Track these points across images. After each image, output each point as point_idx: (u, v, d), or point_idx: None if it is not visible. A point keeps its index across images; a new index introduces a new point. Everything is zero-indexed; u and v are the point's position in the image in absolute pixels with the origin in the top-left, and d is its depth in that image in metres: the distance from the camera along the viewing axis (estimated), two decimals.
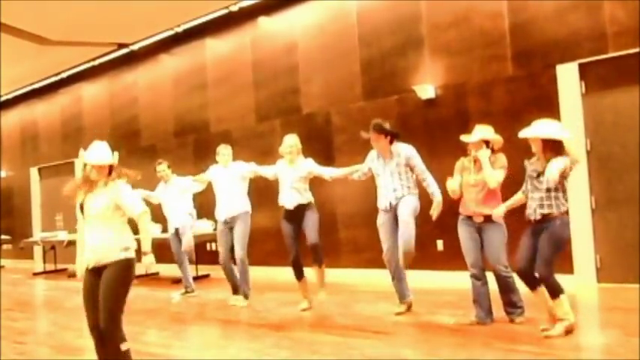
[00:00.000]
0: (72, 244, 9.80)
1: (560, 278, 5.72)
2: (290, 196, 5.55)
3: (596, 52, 5.79)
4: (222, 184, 6.23)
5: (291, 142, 5.72)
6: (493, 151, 4.64)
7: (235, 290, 6.19)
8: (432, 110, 6.78)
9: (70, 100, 12.01)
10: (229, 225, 6.12)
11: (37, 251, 12.42)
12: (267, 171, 5.96)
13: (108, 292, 3.29)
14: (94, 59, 10.74)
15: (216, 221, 6.53)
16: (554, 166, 3.94)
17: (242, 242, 6.03)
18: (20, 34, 8.85)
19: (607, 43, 5.73)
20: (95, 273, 3.37)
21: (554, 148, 4.05)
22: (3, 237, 13.25)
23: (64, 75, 11.68)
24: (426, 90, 6.72)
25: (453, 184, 4.59)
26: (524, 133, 4.24)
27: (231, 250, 6.11)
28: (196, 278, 8.35)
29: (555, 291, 4.07)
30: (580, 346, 4.06)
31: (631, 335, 3.93)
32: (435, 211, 4.90)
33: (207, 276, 8.49)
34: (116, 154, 3.51)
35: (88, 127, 11.51)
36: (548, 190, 4.06)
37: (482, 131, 4.62)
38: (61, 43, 9.45)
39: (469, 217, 4.63)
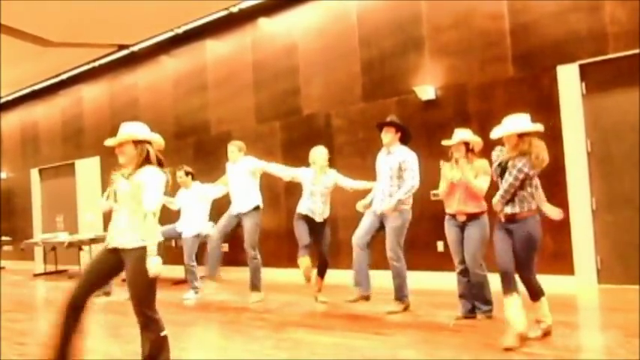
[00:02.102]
0: (72, 245, 9.80)
1: (561, 279, 5.78)
2: (319, 207, 5.81)
3: (596, 53, 5.79)
4: (232, 180, 6.38)
5: (324, 151, 5.90)
6: (473, 152, 4.72)
7: (210, 275, 6.32)
8: (432, 111, 6.78)
9: (70, 101, 12.02)
10: (238, 218, 6.22)
11: (38, 252, 12.41)
12: (284, 171, 6.03)
13: (134, 283, 3.17)
14: (94, 60, 10.75)
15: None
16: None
17: (251, 239, 6.13)
18: (21, 36, 8.86)
19: (607, 44, 5.73)
20: (114, 253, 3.24)
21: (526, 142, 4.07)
22: (3, 238, 13.26)
23: (64, 76, 11.69)
24: (426, 91, 6.72)
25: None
26: (496, 133, 4.20)
27: (225, 236, 6.31)
28: None
29: (537, 293, 4.08)
30: (580, 347, 4.07)
31: (631, 336, 3.92)
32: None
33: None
34: (141, 131, 3.26)
35: (88, 129, 11.52)
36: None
37: (462, 133, 4.72)
38: (62, 45, 9.46)
39: (453, 216, 4.77)
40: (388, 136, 5.23)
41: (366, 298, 5.24)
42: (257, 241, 6.19)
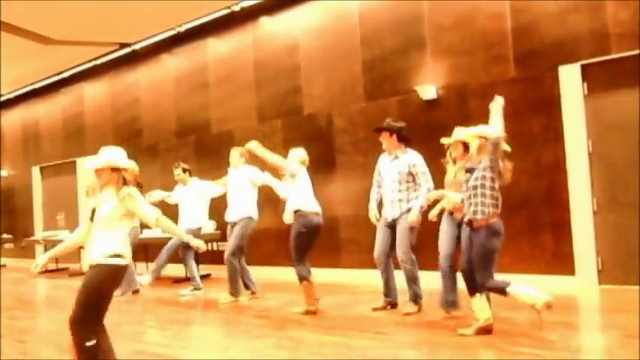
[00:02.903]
0: None
1: (562, 280, 5.78)
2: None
3: (598, 53, 5.78)
4: (231, 186, 6.41)
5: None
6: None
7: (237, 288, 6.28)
8: (433, 111, 6.78)
9: (71, 99, 12.03)
10: (230, 225, 6.27)
11: (39, 250, 12.41)
12: (281, 190, 5.97)
13: (84, 289, 3.29)
14: (95, 59, 10.75)
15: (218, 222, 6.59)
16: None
17: (231, 244, 6.14)
18: (23, 34, 8.86)
19: (609, 44, 5.72)
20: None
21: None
22: (4, 236, 13.28)
23: (65, 74, 11.69)
24: (427, 91, 6.71)
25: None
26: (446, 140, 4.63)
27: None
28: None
29: (501, 290, 4.11)
30: (581, 347, 4.08)
31: (632, 337, 3.92)
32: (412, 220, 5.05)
33: (208, 275, 8.48)
34: (118, 159, 3.42)
35: (89, 127, 11.52)
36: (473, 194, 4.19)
37: (461, 132, 4.73)
38: (63, 43, 9.46)
39: (451, 213, 4.80)
40: (385, 141, 5.24)
41: (394, 305, 5.28)
42: (241, 247, 6.19)
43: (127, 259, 3.37)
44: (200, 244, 3.64)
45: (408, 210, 5.09)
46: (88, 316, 3.28)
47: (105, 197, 3.40)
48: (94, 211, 3.39)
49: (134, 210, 3.36)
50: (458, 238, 4.73)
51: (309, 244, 5.30)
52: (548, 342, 3.97)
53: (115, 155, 3.43)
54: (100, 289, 3.31)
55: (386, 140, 5.23)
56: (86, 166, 3.51)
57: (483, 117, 6.34)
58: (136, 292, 7.04)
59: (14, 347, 4.85)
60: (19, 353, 4.63)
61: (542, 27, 6.09)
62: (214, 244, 8.87)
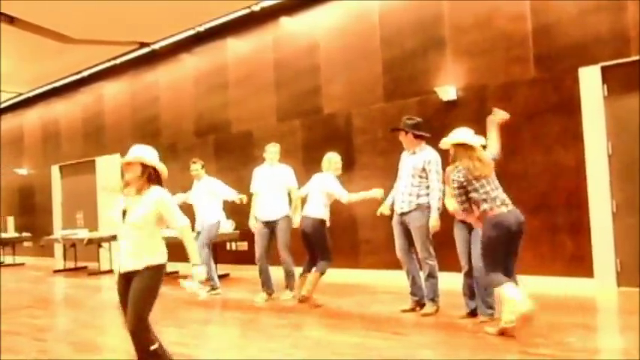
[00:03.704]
0: (92, 242, 9.94)
1: (580, 282, 5.75)
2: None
3: (618, 55, 5.74)
4: (266, 184, 6.32)
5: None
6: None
7: (263, 289, 6.33)
8: (453, 112, 6.76)
9: (91, 98, 12.16)
10: (269, 226, 6.23)
11: (58, 249, 12.59)
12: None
13: (136, 295, 3.31)
14: (115, 58, 10.85)
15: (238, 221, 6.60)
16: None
17: (284, 244, 6.19)
18: (43, 33, 8.97)
19: (630, 46, 5.68)
20: (127, 277, 3.40)
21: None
22: (24, 234, 13.46)
23: (85, 74, 11.81)
24: (447, 91, 6.70)
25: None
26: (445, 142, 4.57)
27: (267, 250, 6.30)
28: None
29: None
30: (599, 349, 4.05)
31: None
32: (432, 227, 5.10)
33: (226, 275, 8.54)
34: (150, 157, 3.43)
35: (109, 126, 11.64)
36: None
37: (460, 134, 4.56)
38: (83, 42, 9.56)
39: (462, 220, 4.78)
40: (402, 140, 5.32)
41: (422, 305, 5.28)
42: (288, 246, 6.24)
43: (164, 261, 3.41)
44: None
45: (417, 206, 5.11)
46: (146, 320, 3.32)
47: (136, 198, 3.39)
48: (124, 212, 3.39)
49: (163, 213, 3.38)
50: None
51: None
52: (566, 344, 3.95)
53: (145, 151, 3.46)
54: (152, 292, 3.35)
55: (403, 139, 5.31)
56: (122, 160, 3.49)
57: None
58: None
59: (33, 345, 4.89)
60: (38, 351, 4.67)
61: (563, 28, 6.06)
62: (233, 244, 8.93)
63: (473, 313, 4.83)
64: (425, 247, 5.12)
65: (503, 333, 4.15)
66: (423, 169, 5.14)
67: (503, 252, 4.17)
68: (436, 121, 6.83)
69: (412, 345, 4.28)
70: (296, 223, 6.14)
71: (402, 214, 5.20)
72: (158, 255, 3.38)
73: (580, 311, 4.95)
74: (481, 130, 6.40)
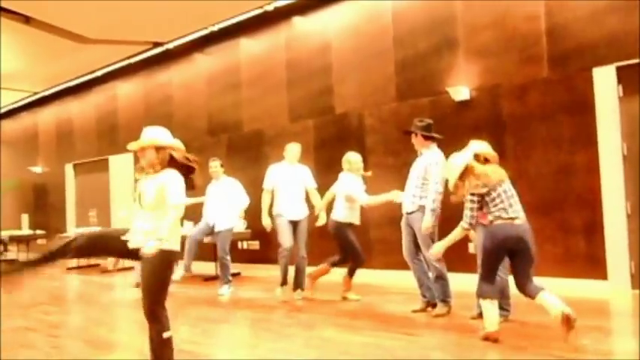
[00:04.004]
0: None
1: (594, 284, 5.69)
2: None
3: (634, 55, 5.67)
4: (288, 184, 6.29)
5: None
6: (488, 162, 4.63)
7: (297, 286, 6.32)
8: (465, 112, 6.73)
9: (105, 98, 12.26)
10: (294, 224, 6.22)
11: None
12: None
13: (147, 281, 3.29)
14: (129, 58, 10.92)
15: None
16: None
17: (305, 242, 6.22)
18: (58, 32, 9.05)
19: None
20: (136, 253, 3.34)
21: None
22: (38, 232, 13.61)
23: (99, 73, 11.90)
24: (460, 92, 6.67)
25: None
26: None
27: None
28: None
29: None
30: (613, 352, 4.02)
31: None
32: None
33: (237, 274, 8.57)
34: (162, 137, 3.37)
35: (122, 125, 11.73)
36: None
37: (475, 146, 4.65)
38: (98, 42, 9.63)
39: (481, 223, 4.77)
40: (414, 141, 5.36)
41: (433, 305, 5.28)
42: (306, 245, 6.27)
43: (176, 247, 3.34)
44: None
45: (419, 207, 5.15)
46: (161, 306, 3.29)
47: (150, 181, 3.35)
48: (140, 196, 3.35)
49: (165, 188, 3.27)
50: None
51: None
52: (580, 346, 3.91)
53: (158, 133, 3.39)
54: (162, 275, 3.29)
55: (414, 140, 5.35)
56: (129, 146, 3.43)
57: (515, 118, 6.32)
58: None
59: (46, 341, 4.95)
60: (51, 347, 4.72)
61: (577, 28, 6.00)
62: (244, 243, 8.96)
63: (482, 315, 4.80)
64: (428, 249, 5.09)
65: (486, 338, 4.16)
66: (425, 171, 5.17)
67: (499, 263, 4.27)
68: (448, 122, 6.82)
69: (423, 346, 4.26)
70: (321, 220, 6.19)
71: (408, 215, 5.27)
72: (171, 241, 3.28)
73: (594, 314, 4.90)
74: (494, 131, 6.40)
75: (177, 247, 3.37)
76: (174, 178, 3.33)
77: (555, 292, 4.16)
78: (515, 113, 6.38)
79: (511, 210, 4.18)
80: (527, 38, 6.32)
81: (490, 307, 4.19)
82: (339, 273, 6.22)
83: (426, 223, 5.05)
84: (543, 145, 6.19)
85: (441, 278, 5.16)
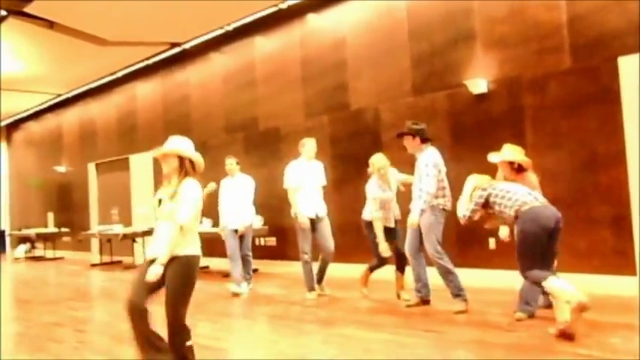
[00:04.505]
0: (127, 237, 10.14)
1: (622, 280, 5.55)
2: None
3: None
4: (308, 181, 6.25)
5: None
6: (521, 170, 4.82)
7: (318, 281, 6.29)
8: (483, 105, 6.62)
9: (125, 98, 12.40)
10: (315, 222, 6.16)
11: (94, 243, 12.92)
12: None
13: (171, 288, 3.28)
14: (147, 58, 11.03)
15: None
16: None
17: (331, 237, 6.19)
18: (80, 36, 9.19)
19: None
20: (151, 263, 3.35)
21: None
22: (63, 229, 13.88)
23: (119, 74, 12.05)
24: (477, 84, 6.55)
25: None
26: (493, 158, 4.86)
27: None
28: None
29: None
30: None
31: None
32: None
33: (255, 270, 8.59)
34: (186, 148, 3.42)
35: (141, 125, 11.86)
36: None
37: (508, 152, 4.86)
38: (118, 44, 9.76)
39: None
40: (407, 144, 5.45)
41: (427, 302, 5.36)
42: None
43: (198, 252, 3.37)
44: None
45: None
46: (183, 314, 3.30)
47: (170, 189, 3.38)
48: (160, 202, 3.39)
49: (179, 200, 3.29)
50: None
51: None
52: (608, 344, 3.82)
53: (182, 143, 3.46)
54: (185, 281, 3.30)
55: (409, 143, 5.43)
56: (154, 153, 3.50)
57: (535, 111, 6.19)
58: None
59: (73, 336, 5.11)
60: (78, 342, 4.86)
61: (600, 16, 5.83)
62: (262, 239, 8.98)
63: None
64: (431, 246, 5.13)
65: (562, 334, 3.97)
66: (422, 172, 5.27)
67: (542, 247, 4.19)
68: (466, 116, 6.72)
69: (445, 343, 4.20)
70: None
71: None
72: (189, 248, 3.31)
73: (622, 310, 4.78)
74: (513, 124, 6.30)
75: (198, 252, 3.39)
76: (191, 192, 3.34)
77: (581, 288, 4.06)
78: (535, 106, 6.25)
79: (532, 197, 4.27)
80: (547, 28, 6.17)
81: (556, 284, 4.00)
82: (359, 270, 6.18)
83: (412, 220, 5.21)
84: (566, 138, 6.05)
85: (449, 273, 5.10)
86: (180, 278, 3.28)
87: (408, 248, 5.38)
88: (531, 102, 6.29)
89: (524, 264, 4.20)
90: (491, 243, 6.44)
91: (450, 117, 6.81)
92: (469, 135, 6.64)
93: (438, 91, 7.02)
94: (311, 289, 6.20)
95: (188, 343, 3.34)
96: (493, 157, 4.85)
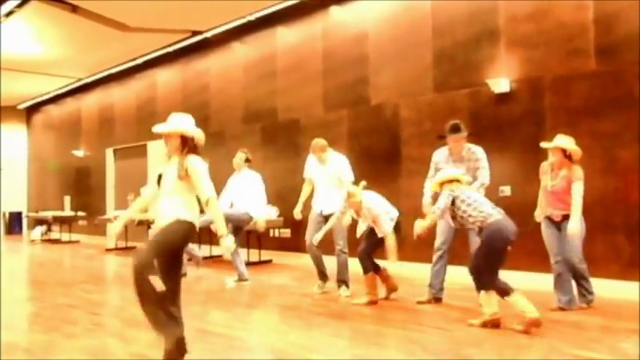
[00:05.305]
0: (142, 223, 10.23)
1: (638, 286, 5.47)
2: None
3: None
4: (320, 178, 6.16)
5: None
6: (572, 161, 4.95)
7: (321, 276, 6.16)
8: (505, 105, 6.56)
9: (144, 85, 12.48)
10: (324, 217, 6.04)
11: (110, 228, 13.05)
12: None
13: (154, 238, 3.43)
14: (169, 46, 11.06)
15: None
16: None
17: (342, 235, 5.98)
18: (103, 21, 9.25)
19: None
20: None
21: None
22: (79, 213, 14.05)
23: (140, 61, 12.11)
24: (500, 84, 6.49)
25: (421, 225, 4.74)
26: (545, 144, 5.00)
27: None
28: (259, 263, 8.53)
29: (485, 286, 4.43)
30: None
31: None
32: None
33: (269, 261, 8.64)
34: (188, 126, 3.51)
35: (160, 112, 11.90)
36: None
37: (562, 140, 4.99)
38: (140, 30, 9.80)
39: (548, 217, 5.07)
40: (459, 144, 5.36)
41: (438, 300, 5.37)
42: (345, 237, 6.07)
43: (195, 223, 3.47)
44: (229, 247, 3.43)
45: None
46: (151, 263, 3.36)
47: (172, 165, 3.48)
48: (160, 177, 3.50)
49: (194, 182, 3.42)
50: None
51: None
52: (620, 349, 3.79)
53: (185, 122, 3.53)
54: (171, 239, 3.41)
55: (459, 144, 5.32)
56: (155, 129, 3.58)
57: (558, 112, 6.12)
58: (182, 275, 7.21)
59: (87, 318, 5.18)
60: (92, 324, 4.93)
61: (628, 17, 5.74)
62: (276, 231, 9.01)
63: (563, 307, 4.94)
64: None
65: (487, 325, 4.36)
66: (476, 168, 5.31)
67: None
68: (487, 115, 6.67)
69: (454, 340, 4.19)
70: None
71: None
72: (189, 214, 3.44)
73: (636, 316, 4.73)
74: (534, 125, 6.24)
75: (193, 220, 3.48)
76: (202, 167, 3.46)
77: (603, 294, 4.04)
78: (557, 107, 6.18)
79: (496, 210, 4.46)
80: (573, 28, 6.10)
81: (520, 301, 4.28)
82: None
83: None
84: (588, 141, 5.96)
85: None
86: (168, 235, 3.39)
87: (442, 241, 5.43)
88: (553, 103, 6.22)
89: (488, 274, 4.34)
90: None
91: (471, 115, 6.76)
92: (489, 134, 6.59)
93: (459, 89, 6.98)
94: (320, 279, 6.14)
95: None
96: (545, 144, 5.02)
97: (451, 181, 4.61)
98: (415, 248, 7.31)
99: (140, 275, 3.26)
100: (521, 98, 6.46)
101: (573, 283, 5.01)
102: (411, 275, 6.93)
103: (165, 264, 3.48)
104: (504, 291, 4.28)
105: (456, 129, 5.25)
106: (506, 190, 6.42)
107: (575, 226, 4.79)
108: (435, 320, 4.73)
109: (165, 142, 3.53)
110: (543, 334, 4.19)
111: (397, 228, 5.50)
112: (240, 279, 6.81)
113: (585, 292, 5.02)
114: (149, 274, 3.32)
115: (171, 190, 3.44)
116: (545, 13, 6.30)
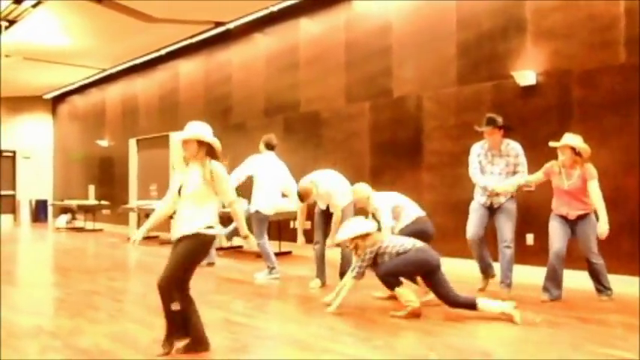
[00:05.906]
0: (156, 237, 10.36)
1: None
2: None
3: None
4: (337, 174, 6.24)
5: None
6: (581, 158, 4.97)
7: (320, 275, 6.19)
8: (530, 98, 6.46)
9: (168, 76, 12.57)
10: (328, 212, 6.08)
11: (133, 218, 13.23)
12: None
13: (175, 257, 3.56)
14: (192, 37, 11.12)
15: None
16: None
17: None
18: (127, 12, 9.33)
19: None
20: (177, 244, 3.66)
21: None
22: (103, 202, 14.27)
23: (163, 52, 12.19)
24: (525, 76, 6.39)
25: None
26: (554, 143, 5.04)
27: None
28: (279, 254, 8.56)
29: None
30: None
31: None
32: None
33: (289, 253, 8.67)
34: (204, 135, 3.64)
35: (183, 103, 12.02)
36: None
37: (571, 138, 5.01)
38: (164, 21, 9.86)
39: (561, 216, 5.11)
40: (497, 138, 5.46)
41: (492, 276, 5.66)
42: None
43: (217, 230, 3.65)
44: (253, 245, 3.86)
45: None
46: (175, 282, 3.54)
47: (192, 172, 3.62)
48: (181, 187, 3.64)
49: (218, 186, 3.61)
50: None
51: None
52: (634, 345, 3.72)
53: (202, 129, 3.69)
54: (191, 257, 3.58)
55: (496, 137, 5.41)
56: (176, 137, 3.77)
57: (585, 106, 6.01)
58: (211, 264, 7.42)
59: (110, 304, 5.31)
60: (115, 310, 5.05)
61: None
62: (296, 222, 9.01)
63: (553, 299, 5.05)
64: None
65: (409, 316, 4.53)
66: (515, 164, 5.49)
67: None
68: (512, 108, 6.56)
69: (475, 336, 4.17)
70: None
71: (492, 206, 5.57)
72: (210, 220, 3.59)
73: None
74: (560, 119, 6.14)
75: (212, 233, 3.65)
76: (224, 173, 3.65)
77: (620, 290, 3.96)
78: (585, 101, 6.07)
79: None
80: (602, 20, 5.96)
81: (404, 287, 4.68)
82: None
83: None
84: (616, 136, 5.85)
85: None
86: (188, 253, 3.57)
87: (476, 233, 5.51)
88: (580, 97, 6.11)
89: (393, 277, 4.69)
90: (529, 239, 6.33)
91: (495, 108, 6.63)
92: (514, 128, 6.50)
93: (483, 82, 6.89)
94: (316, 276, 6.13)
95: (174, 307, 3.53)
96: (553, 143, 5.02)
97: (364, 237, 4.69)
98: (436, 241, 7.28)
99: (166, 292, 3.50)
100: (547, 91, 6.35)
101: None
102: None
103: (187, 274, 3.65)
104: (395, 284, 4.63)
105: (491, 121, 5.33)
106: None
107: (606, 227, 4.83)
108: (454, 314, 4.70)
109: (185, 148, 3.69)
110: (565, 331, 4.14)
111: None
112: (270, 269, 6.61)
113: (603, 287, 5.08)
114: (174, 290, 3.52)
115: (193, 195, 3.59)
116: (573, 4, 6.17)
